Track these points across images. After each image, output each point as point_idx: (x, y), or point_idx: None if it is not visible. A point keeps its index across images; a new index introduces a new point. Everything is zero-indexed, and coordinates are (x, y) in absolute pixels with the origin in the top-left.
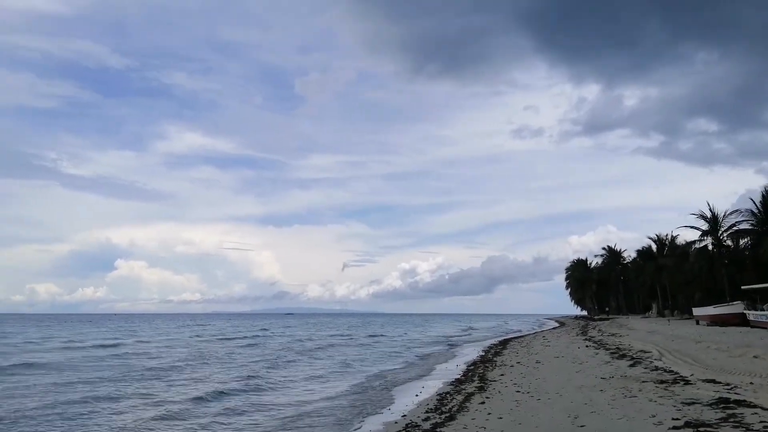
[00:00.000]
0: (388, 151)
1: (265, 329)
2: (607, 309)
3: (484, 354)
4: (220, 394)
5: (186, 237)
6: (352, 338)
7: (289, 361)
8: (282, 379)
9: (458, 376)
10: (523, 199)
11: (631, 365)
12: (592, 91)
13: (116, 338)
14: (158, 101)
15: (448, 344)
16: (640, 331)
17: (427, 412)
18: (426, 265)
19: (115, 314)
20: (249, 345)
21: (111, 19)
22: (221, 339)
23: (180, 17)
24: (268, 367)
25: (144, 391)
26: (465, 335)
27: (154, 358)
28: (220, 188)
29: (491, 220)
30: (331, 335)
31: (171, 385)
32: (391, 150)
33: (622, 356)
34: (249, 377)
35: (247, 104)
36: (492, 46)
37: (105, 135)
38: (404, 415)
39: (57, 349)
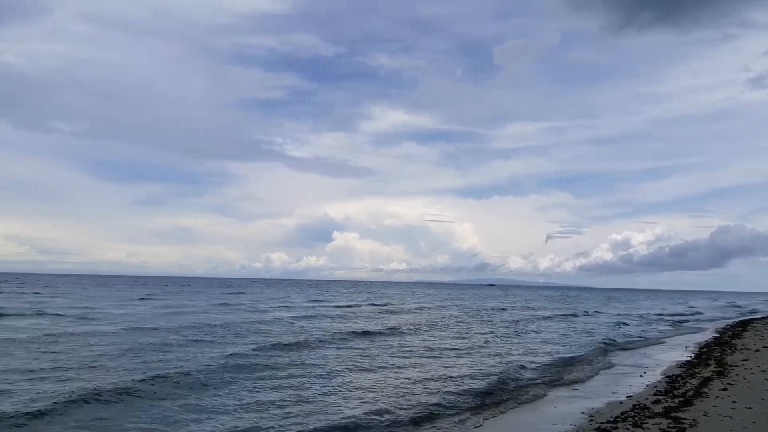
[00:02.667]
0: (592, 114)
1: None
2: None
3: (718, 336)
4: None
5: (391, 210)
6: (560, 311)
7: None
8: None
9: (689, 358)
10: (763, 160)
11: None
12: None
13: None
14: (364, 83)
15: (672, 323)
16: None
17: (656, 394)
18: (641, 236)
19: (335, 281)
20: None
21: (322, 12)
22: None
23: (381, 0)
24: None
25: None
26: (690, 314)
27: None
28: (422, 163)
29: (720, 185)
30: (554, 311)
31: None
32: (596, 113)
33: None
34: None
35: (446, 78)
36: None
37: (320, 119)
38: (629, 396)
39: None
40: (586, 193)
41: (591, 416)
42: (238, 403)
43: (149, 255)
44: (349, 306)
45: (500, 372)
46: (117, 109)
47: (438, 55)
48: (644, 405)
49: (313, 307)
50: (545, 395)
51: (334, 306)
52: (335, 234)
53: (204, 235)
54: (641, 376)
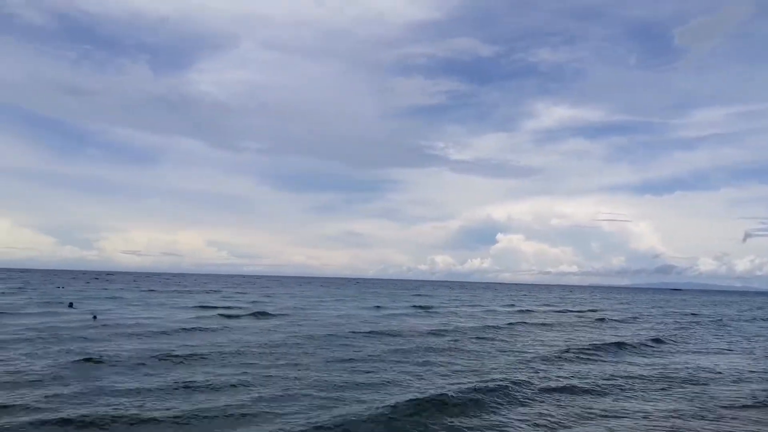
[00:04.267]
0: None
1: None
2: None
3: None
4: None
5: (559, 210)
6: None
7: None
8: None
9: None
10: None
11: None
12: None
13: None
14: (525, 81)
15: None
16: None
17: None
18: None
19: (499, 283)
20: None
21: (478, 14)
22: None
23: None
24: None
25: None
26: None
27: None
28: (591, 159)
29: None
30: None
31: None
32: None
33: None
34: None
35: (616, 67)
36: None
37: (481, 121)
38: None
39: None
40: None
41: None
42: None
43: (325, 258)
44: (563, 311)
45: None
46: (295, 127)
47: (605, 43)
48: None
49: (530, 311)
50: None
51: (556, 311)
52: (499, 236)
53: (373, 239)
54: None
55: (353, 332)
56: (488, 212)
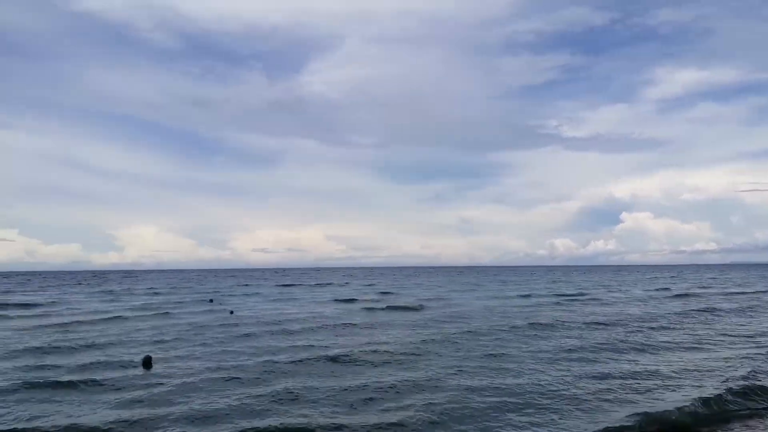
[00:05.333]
0: None
1: None
2: None
3: None
4: None
5: (690, 183)
6: None
7: None
8: None
9: None
10: None
11: None
12: None
13: None
14: (644, 46)
15: None
16: None
17: None
18: None
19: (628, 266)
20: None
21: None
22: None
23: None
24: None
25: None
26: None
27: None
28: (726, 124)
29: None
30: None
31: None
32: None
33: None
34: None
35: (752, 20)
36: None
37: (596, 93)
38: None
39: None
40: None
41: None
42: None
43: (440, 247)
44: (729, 294)
45: None
46: (403, 117)
47: None
48: None
49: (695, 295)
50: None
51: (721, 293)
52: (624, 215)
53: (487, 225)
54: None
55: (532, 324)
56: (610, 190)
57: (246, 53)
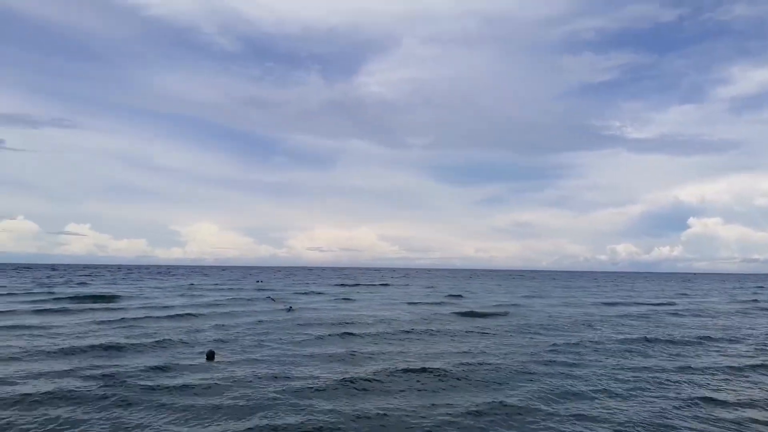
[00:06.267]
0: None
1: None
2: None
3: None
4: None
5: (764, 187)
6: None
7: None
8: None
9: None
10: None
11: None
12: None
13: None
14: (717, 43)
15: None
16: None
17: None
18: None
19: (695, 273)
20: None
21: None
22: None
23: None
24: None
25: None
26: None
27: None
28: None
29: None
30: None
31: None
32: None
33: None
34: None
35: None
36: None
37: (663, 93)
38: None
39: None
40: None
41: None
42: None
43: (494, 250)
44: None
45: None
46: (460, 118)
47: None
48: None
49: None
50: None
51: None
52: (691, 220)
53: (544, 228)
54: None
55: (645, 338)
56: (675, 194)
57: (304, 55)
